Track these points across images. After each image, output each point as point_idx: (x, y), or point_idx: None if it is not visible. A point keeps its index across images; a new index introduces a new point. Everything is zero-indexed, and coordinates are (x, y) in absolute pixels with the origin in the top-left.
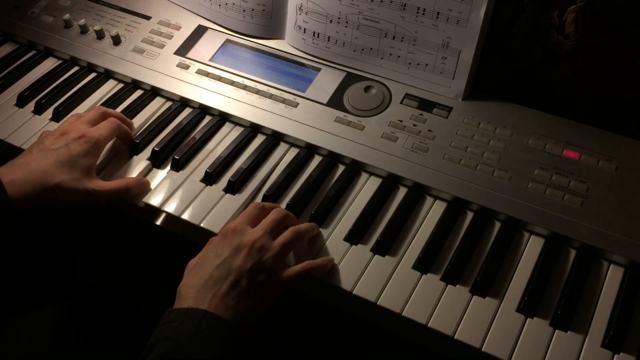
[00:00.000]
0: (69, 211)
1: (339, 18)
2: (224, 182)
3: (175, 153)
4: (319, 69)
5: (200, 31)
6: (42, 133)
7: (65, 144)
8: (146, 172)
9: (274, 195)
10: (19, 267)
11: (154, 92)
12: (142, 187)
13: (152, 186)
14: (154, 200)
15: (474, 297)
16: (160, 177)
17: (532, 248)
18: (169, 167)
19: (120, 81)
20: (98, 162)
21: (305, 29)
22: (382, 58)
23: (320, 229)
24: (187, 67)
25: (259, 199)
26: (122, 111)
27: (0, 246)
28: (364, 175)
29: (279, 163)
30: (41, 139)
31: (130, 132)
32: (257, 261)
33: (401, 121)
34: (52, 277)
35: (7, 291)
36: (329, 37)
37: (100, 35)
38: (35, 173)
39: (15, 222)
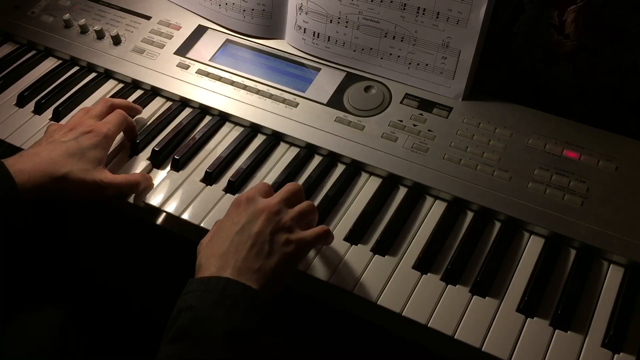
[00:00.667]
0: (73, 211)
1: (339, 18)
2: (224, 182)
3: (175, 153)
4: (319, 69)
5: (200, 31)
6: (49, 126)
7: (75, 137)
8: (146, 172)
9: None
10: (22, 266)
11: (154, 92)
12: (148, 183)
13: (152, 186)
14: (154, 200)
15: (474, 297)
16: (160, 177)
17: (532, 248)
18: (169, 167)
19: (120, 81)
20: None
21: (305, 29)
22: (382, 58)
23: None
24: (187, 67)
25: None
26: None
27: (9, 236)
28: (364, 175)
29: (278, 163)
30: (49, 132)
31: (134, 126)
32: (277, 223)
33: (401, 121)
34: (54, 277)
35: (10, 291)
36: (329, 37)
37: (100, 35)
38: (44, 163)
39: (23, 211)
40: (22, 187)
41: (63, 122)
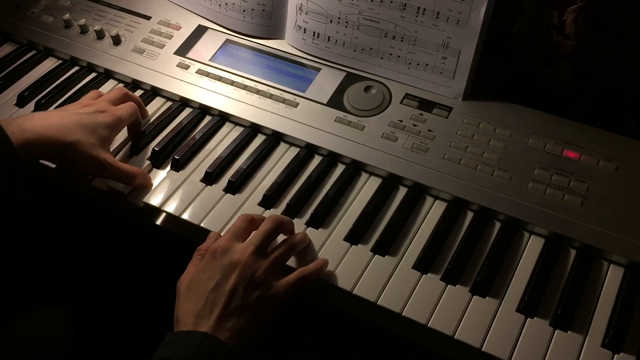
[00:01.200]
0: (74, 211)
1: (339, 18)
2: (224, 182)
3: (175, 153)
4: (319, 69)
5: (200, 31)
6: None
7: (90, 112)
8: (146, 172)
9: (274, 195)
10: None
11: (154, 92)
12: (146, 181)
13: (152, 186)
14: (154, 200)
15: (474, 297)
16: (160, 177)
17: (532, 248)
18: (169, 167)
19: (120, 81)
20: None
21: (305, 29)
22: (382, 58)
23: (320, 229)
24: (187, 67)
25: (259, 199)
26: None
27: (8, 201)
28: (364, 175)
29: (278, 163)
30: (63, 107)
31: (141, 123)
32: (250, 279)
33: (401, 121)
34: (54, 277)
35: (10, 291)
36: (329, 37)
37: (100, 35)
38: (55, 126)
39: (22, 172)
40: (28, 143)
41: None
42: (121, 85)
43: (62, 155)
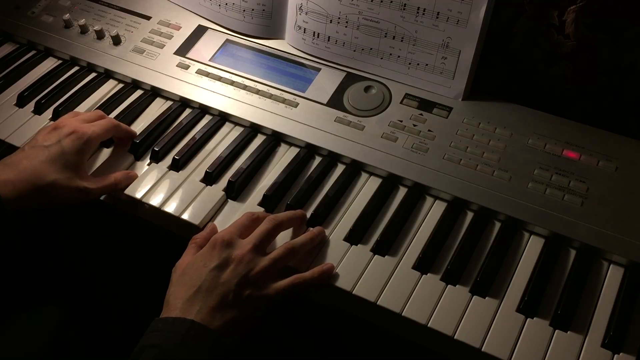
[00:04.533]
0: (68, 211)
1: (339, 18)
2: (224, 182)
3: (175, 153)
4: (319, 69)
5: (200, 31)
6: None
7: (57, 140)
8: (146, 172)
9: (274, 195)
10: (17, 268)
11: (154, 92)
12: (130, 180)
13: (152, 186)
14: (154, 200)
15: (474, 297)
16: (160, 177)
17: (532, 248)
18: (168, 167)
19: (120, 81)
20: (99, 165)
21: (305, 29)
22: (382, 58)
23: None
24: (187, 67)
25: (259, 199)
26: (122, 111)
27: None
28: (364, 175)
29: (278, 163)
30: (35, 135)
31: (131, 130)
32: (244, 276)
33: (401, 121)
34: (51, 278)
35: (6, 292)
36: (329, 37)
37: (100, 35)
38: (27, 172)
39: (8, 223)
40: (6, 198)
41: None
42: (119, 84)
43: (43, 198)
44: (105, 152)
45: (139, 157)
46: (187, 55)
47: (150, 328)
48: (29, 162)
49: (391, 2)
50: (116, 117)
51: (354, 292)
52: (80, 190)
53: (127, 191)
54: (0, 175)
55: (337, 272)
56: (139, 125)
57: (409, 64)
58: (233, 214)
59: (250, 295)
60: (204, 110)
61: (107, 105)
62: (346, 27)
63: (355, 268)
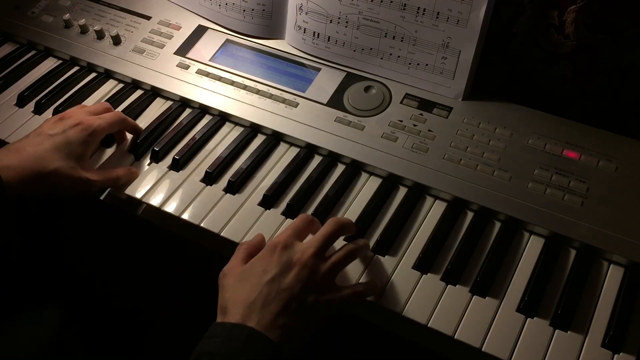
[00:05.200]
0: (68, 211)
1: (339, 18)
2: (224, 182)
3: (175, 153)
4: (319, 69)
5: (200, 31)
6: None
7: (63, 130)
8: (146, 172)
9: (274, 195)
10: (17, 268)
11: (154, 92)
12: (131, 176)
13: (152, 186)
14: (154, 200)
15: (474, 297)
16: (160, 177)
17: (532, 248)
18: (168, 167)
19: (120, 81)
20: (99, 165)
21: (305, 29)
22: (382, 58)
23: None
24: (187, 67)
25: (259, 199)
26: (122, 111)
27: None
28: (364, 175)
29: (278, 163)
30: (41, 125)
31: (137, 125)
32: (308, 281)
33: (401, 121)
34: (51, 278)
35: (6, 292)
36: (329, 37)
37: (100, 35)
38: (31, 159)
39: (9, 208)
40: (9, 183)
41: None
42: (119, 84)
43: (45, 185)
44: (106, 152)
45: (139, 157)
46: (187, 55)
47: (208, 333)
48: (33, 149)
49: (391, 2)
50: None
51: None
52: (82, 180)
53: (127, 191)
54: (3, 160)
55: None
56: (139, 125)
57: (409, 64)
58: (232, 212)
59: (315, 301)
60: (204, 110)
61: None
62: (346, 27)
63: (355, 268)
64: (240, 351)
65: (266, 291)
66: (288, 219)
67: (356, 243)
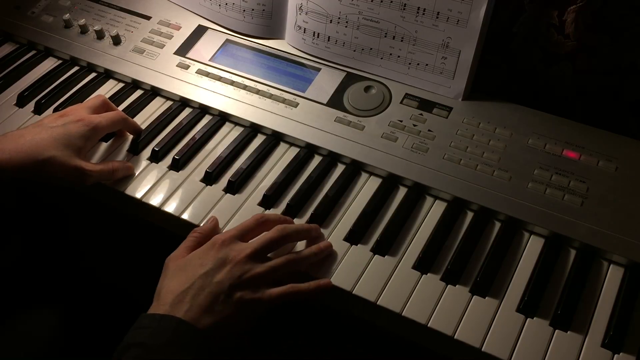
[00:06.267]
0: (69, 211)
1: (339, 18)
2: (224, 182)
3: (175, 153)
4: (319, 69)
5: (200, 31)
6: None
7: (63, 124)
8: (146, 171)
9: (274, 195)
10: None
11: (154, 92)
12: (127, 171)
13: (152, 186)
14: (154, 200)
15: (474, 297)
16: (160, 177)
17: (532, 248)
18: (168, 167)
19: (120, 81)
20: (100, 159)
21: (305, 29)
22: (382, 58)
23: (320, 229)
24: (187, 67)
25: (259, 199)
26: (122, 111)
27: None
28: (364, 175)
29: (278, 163)
30: (40, 119)
31: (138, 125)
32: (238, 278)
33: (401, 121)
34: (51, 278)
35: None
36: (329, 37)
37: (100, 35)
38: (27, 145)
39: (5, 190)
40: (1, 165)
41: None
42: (119, 84)
43: (39, 172)
44: (105, 151)
45: (138, 157)
46: (187, 55)
47: (136, 324)
48: (31, 136)
49: (391, 2)
50: None
51: (354, 292)
52: (76, 169)
53: (127, 191)
54: None
55: (337, 272)
56: (139, 125)
57: (409, 64)
58: (232, 212)
59: (242, 297)
60: (204, 110)
61: None
62: (346, 27)
63: (355, 268)
64: (169, 341)
65: (198, 284)
66: None
67: (300, 253)
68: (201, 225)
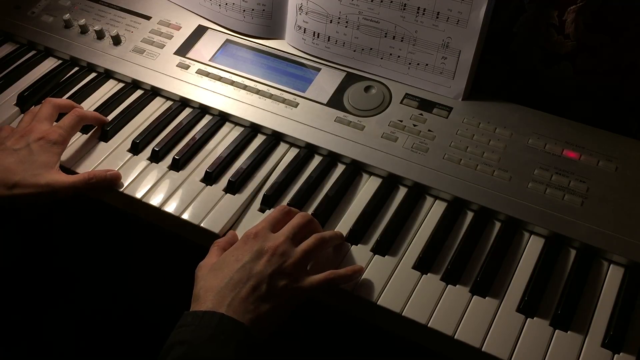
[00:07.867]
0: (69, 211)
1: (339, 18)
2: (224, 182)
3: (175, 153)
4: (319, 69)
5: (200, 31)
6: (2, 128)
7: (27, 145)
8: (146, 172)
9: (274, 195)
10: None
11: (154, 92)
12: (110, 177)
13: (152, 186)
14: (154, 200)
15: (474, 297)
16: (160, 177)
17: (532, 248)
18: (168, 167)
19: (120, 81)
20: (98, 164)
21: (305, 29)
22: (382, 58)
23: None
24: (187, 67)
25: (259, 199)
26: (122, 111)
27: None
28: (364, 175)
29: (279, 163)
30: (1, 138)
31: (98, 115)
32: (278, 267)
33: (401, 121)
34: (51, 279)
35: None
36: (329, 37)
37: (100, 35)
38: None
39: None
40: None
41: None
42: (119, 84)
43: (12, 197)
44: (105, 151)
45: (138, 157)
46: (187, 55)
47: (179, 323)
48: None
49: (391, 2)
50: (116, 117)
51: (354, 293)
52: (48, 185)
53: (127, 191)
54: None
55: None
56: (139, 125)
57: (409, 64)
58: (232, 212)
59: (285, 286)
60: (204, 110)
61: (107, 106)
62: (346, 27)
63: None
64: (212, 337)
65: (237, 277)
66: None
67: (326, 233)
68: (222, 237)
